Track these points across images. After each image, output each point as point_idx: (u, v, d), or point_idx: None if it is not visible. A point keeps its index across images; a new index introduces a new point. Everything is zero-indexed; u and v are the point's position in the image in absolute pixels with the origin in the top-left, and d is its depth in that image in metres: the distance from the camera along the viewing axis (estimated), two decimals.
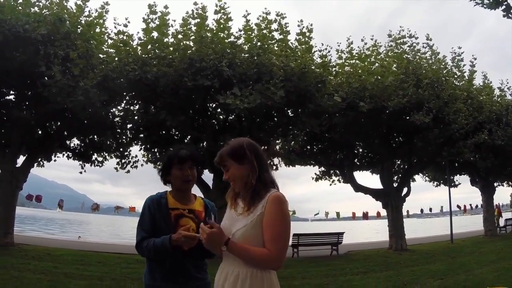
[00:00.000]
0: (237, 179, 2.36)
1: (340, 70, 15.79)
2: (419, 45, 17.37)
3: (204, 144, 14.05)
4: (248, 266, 2.22)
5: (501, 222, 26.34)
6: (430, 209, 32.36)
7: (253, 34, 13.46)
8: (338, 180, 20.80)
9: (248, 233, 2.25)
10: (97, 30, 13.81)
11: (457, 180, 25.25)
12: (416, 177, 22.74)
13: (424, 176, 26.05)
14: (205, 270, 2.93)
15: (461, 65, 18.03)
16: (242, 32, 13.53)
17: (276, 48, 13.21)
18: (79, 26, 13.19)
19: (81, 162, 16.58)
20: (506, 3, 6.42)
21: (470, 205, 31.20)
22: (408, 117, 14.79)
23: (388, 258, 14.48)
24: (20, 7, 12.54)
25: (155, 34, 12.75)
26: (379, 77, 14.98)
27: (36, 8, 12.99)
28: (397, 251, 16.72)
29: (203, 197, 3.06)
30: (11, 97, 14.53)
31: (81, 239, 22.32)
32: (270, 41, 13.37)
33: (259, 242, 2.22)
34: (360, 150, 19.84)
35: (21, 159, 14.96)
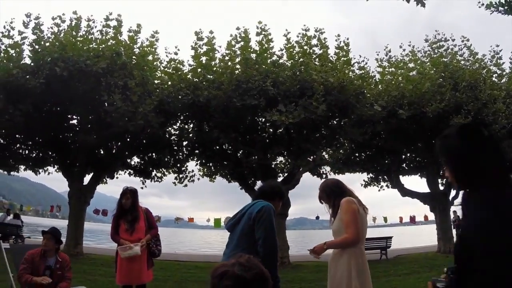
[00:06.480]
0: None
1: (381, 78, 16.29)
2: (456, 47, 17.53)
3: (255, 157, 14.94)
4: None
5: None
6: None
7: (295, 51, 14.27)
8: (387, 186, 20.89)
9: (336, 225, 3.84)
10: (150, 58, 15.02)
11: None
12: None
13: None
14: None
15: (501, 63, 17.83)
16: (284, 50, 14.38)
17: (317, 64, 13.89)
18: (133, 57, 14.40)
19: (142, 178, 17.86)
20: None
21: None
22: (448, 121, 15.01)
23: (434, 261, 14.75)
24: (80, 44, 13.78)
25: (203, 59, 13.80)
26: (417, 84, 15.30)
27: (94, 44, 14.23)
28: (445, 254, 16.87)
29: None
30: (75, 121, 16.05)
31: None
32: (311, 57, 14.09)
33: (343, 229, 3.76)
34: (408, 154, 19.91)
35: (87, 177, 16.52)
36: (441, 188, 19.20)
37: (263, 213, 3.55)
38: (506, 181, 1.81)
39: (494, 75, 17.76)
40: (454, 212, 20.10)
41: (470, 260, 1.72)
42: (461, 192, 1.92)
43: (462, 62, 17.27)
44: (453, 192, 18.90)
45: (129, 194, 5.76)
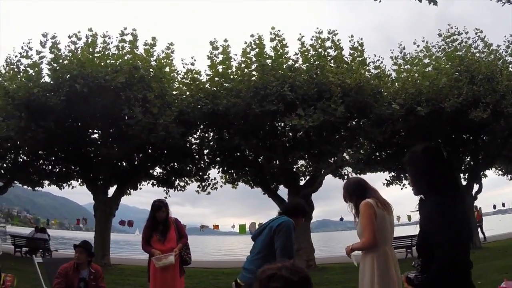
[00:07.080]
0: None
1: (397, 76, 16.26)
2: (470, 40, 17.23)
3: (277, 162, 15.05)
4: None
5: None
6: (503, 204, 30.40)
7: (310, 55, 14.36)
8: (409, 184, 20.60)
9: (359, 228, 3.88)
10: (167, 69, 15.26)
11: None
12: (489, 172, 22.10)
13: (497, 171, 25.00)
14: None
15: None
16: (299, 54, 14.48)
17: (333, 66, 13.93)
18: (151, 70, 14.57)
19: (165, 188, 18.10)
20: None
21: None
22: (467, 115, 14.85)
23: None
24: (97, 60, 14.04)
25: (220, 67, 14.00)
26: (434, 80, 15.16)
27: (111, 59, 14.47)
28: (471, 250, 16.56)
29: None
30: (96, 135, 16.33)
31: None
32: (326, 59, 14.15)
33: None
34: None
35: (111, 189, 16.84)
36: (464, 182, 18.92)
37: (282, 227, 4.13)
38: (453, 189, 2.51)
39: (510, 65, 17.30)
40: (475, 207, 19.96)
41: (430, 251, 2.33)
42: (418, 198, 2.66)
43: (477, 54, 16.95)
44: (476, 187, 18.70)
45: (164, 208, 5.93)
